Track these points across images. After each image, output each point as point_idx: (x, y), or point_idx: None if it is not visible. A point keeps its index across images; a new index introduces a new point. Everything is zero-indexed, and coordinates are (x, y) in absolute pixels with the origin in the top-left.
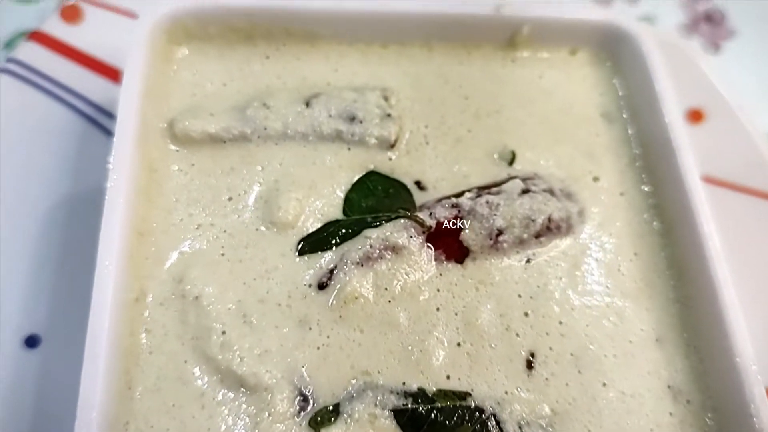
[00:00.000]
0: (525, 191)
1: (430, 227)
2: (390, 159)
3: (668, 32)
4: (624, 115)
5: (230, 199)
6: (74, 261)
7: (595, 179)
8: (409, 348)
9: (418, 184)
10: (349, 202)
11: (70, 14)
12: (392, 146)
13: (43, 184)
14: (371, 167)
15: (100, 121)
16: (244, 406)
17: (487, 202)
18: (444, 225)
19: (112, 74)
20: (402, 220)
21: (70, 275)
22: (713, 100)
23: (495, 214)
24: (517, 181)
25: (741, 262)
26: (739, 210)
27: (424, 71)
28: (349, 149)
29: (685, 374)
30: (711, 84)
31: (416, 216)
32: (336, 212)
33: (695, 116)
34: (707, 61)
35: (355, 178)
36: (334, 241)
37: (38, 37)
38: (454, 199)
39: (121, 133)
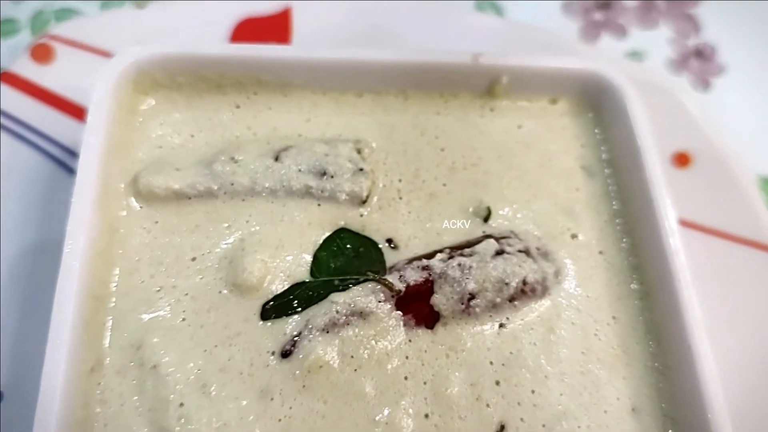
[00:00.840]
0: (499, 252)
1: (400, 291)
2: (361, 215)
3: (656, 70)
4: (605, 169)
5: (194, 259)
6: (39, 313)
7: (574, 236)
8: (375, 420)
9: (389, 242)
10: (317, 262)
11: (41, 53)
12: (364, 202)
13: (9, 231)
14: (342, 224)
15: (69, 163)
16: None
17: (459, 265)
18: (414, 289)
19: (83, 115)
20: (370, 284)
21: (33, 328)
22: (700, 143)
23: (467, 278)
24: (491, 241)
25: (727, 312)
26: (723, 257)
27: (400, 121)
28: (319, 205)
29: None
30: (698, 126)
31: (385, 280)
32: (304, 273)
33: (682, 160)
34: (697, 98)
35: (325, 236)
36: (299, 306)
37: (7, 78)
38: (425, 261)
39: (79, 194)
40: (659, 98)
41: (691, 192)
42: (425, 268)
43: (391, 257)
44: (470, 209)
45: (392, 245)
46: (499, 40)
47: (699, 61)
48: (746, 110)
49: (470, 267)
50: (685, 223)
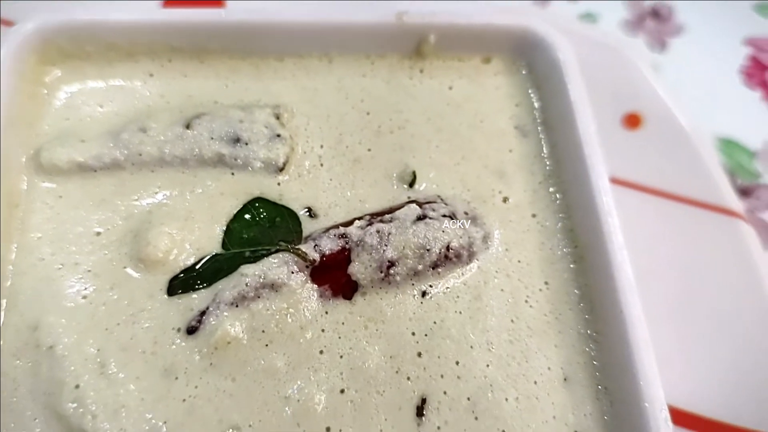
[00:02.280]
0: (421, 217)
1: (314, 261)
2: (279, 184)
3: (610, 31)
4: (540, 129)
5: (98, 234)
6: None
7: (505, 199)
8: (287, 397)
9: (309, 211)
10: (229, 233)
11: None
12: (281, 169)
13: None
14: (257, 193)
15: None
16: None
17: (378, 232)
18: (330, 258)
19: None
20: (284, 254)
21: None
22: (652, 104)
23: (386, 245)
24: (413, 206)
25: (680, 276)
26: (676, 219)
27: (323, 85)
28: (233, 174)
29: (594, 419)
30: (651, 87)
31: (298, 249)
32: (215, 245)
33: (632, 121)
34: (652, 59)
35: (239, 206)
36: (207, 280)
37: None
38: (342, 229)
39: None
40: (610, 59)
41: (641, 153)
42: (342, 236)
43: (309, 227)
44: (395, 174)
45: (311, 214)
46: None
47: (655, 22)
48: (705, 70)
49: (389, 234)
50: (634, 186)
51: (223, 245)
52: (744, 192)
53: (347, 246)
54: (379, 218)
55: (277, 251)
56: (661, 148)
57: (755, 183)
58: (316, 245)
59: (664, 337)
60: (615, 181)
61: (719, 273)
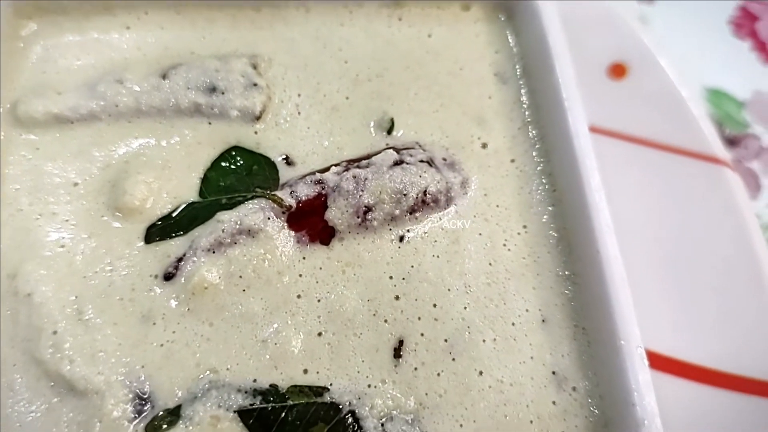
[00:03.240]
0: (398, 163)
1: (290, 207)
2: (256, 132)
3: None
4: (518, 75)
5: (76, 184)
6: None
7: (484, 146)
8: (264, 341)
9: (286, 159)
10: (206, 181)
11: None
12: (258, 118)
13: None
14: (234, 142)
15: None
16: (74, 413)
17: (354, 177)
18: (307, 204)
19: None
20: (259, 200)
21: None
22: (638, 55)
23: (362, 190)
24: (390, 151)
25: (660, 220)
26: (657, 166)
27: (300, 34)
28: (209, 123)
29: (571, 359)
30: (637, 38)
31: (274, 195)
32: (192, 194)
33: (617, 71)
34: (639, 10)
35: (216, 155)
36: (184, 227)
37: None
38: (318, 175)
39: None
40: (597, 10)
41: (626, 103)
42: (318, 182)
43: (286, 174)
44: (373, 122)
45: (288, 162)
46: None
47: None
48: (693, 21)
49: (366, 179)
50: (619, 135)
51: (200, 193)
52: (732, 142)
53: (323, 192)
54: (355, 164)
55: (253, 198)
56: (647, 98)
57: (743, 133)
58: (292, 191)
59: (647, 286)
60: (598, 130)
61: (705, 221)
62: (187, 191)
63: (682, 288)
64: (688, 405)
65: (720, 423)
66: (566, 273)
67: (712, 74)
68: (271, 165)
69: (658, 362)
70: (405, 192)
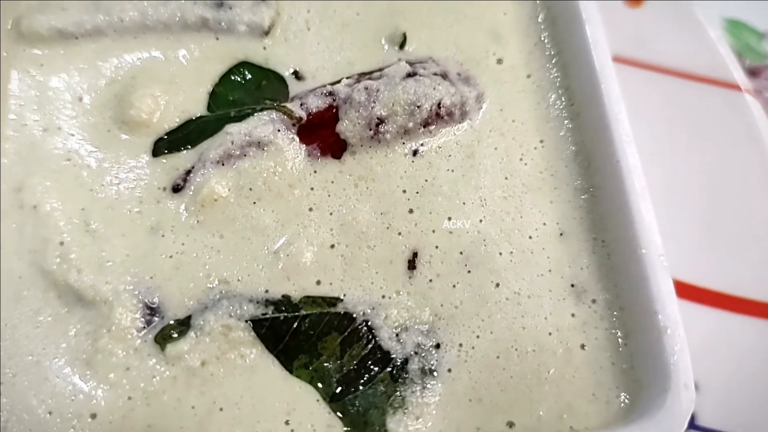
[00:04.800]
0: (411, 75)
1: (301, 119)
2: (264, 48)
3: None
4: None
5: (81, 99)
6: None
7: (499, 61)
8: (275, 252)
9: (295, 74)
10: (214, 96)
11: None
12: (267, 33)
13: None
14: (242, 58)
15: None
16: (81, 323)
17: (366, 88)
18: (317, 116)
19: None
20: (269, 113)
21: None
22: None
23: (374, 101)
24: (403, 63)
25: (681, 147)
26: (675, 94)
27: None
28: (217, 39)
29: (591, 272)
30: None
31: (284, 106)
32: (200, 108)
33: None
34: None
35: (224, 71)
36: (192, 140)
37: None
38: (329, 87)
39: None
40: None
41: (643, 31)
42: (329, 94)
43: (296, 88)
44: (385, 37)
45: (298, 77)
46: None
47: None
48: None
49: (378, 90)
50: (635, 63)
51: (208, 108)
52: (752, 72)
53: (335, 103)
54: (367, 76)
55: (262, 110)
56: (664, 25)
57: (763, 64)
58: (302, 103)
59: (669, 214)
60: (616, 59)
61: (726, 148)
62: (195, 106)
63: (705, 215)
64: (713, 332)
65: (745, 349)
66: (584, 186)
67: (731, 5)
68: (281, 79)
69: (683, 290)
70: (418, 104)
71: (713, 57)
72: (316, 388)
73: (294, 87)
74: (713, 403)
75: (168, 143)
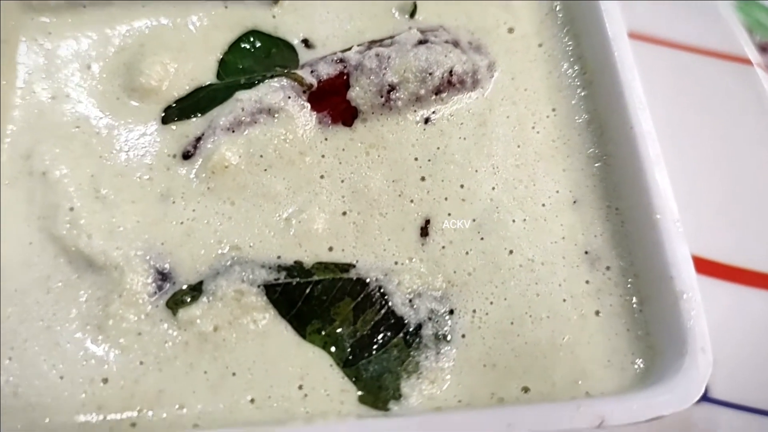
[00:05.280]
0: (423, 42)
1: (311, 85)
2: (273, 16)
3: None
4: None
5: (89, 67)
6: None
7: (510, 30)
8: (287, 219)
9: (305, 42)
10: (224, 64)
11: None
12: (276, 1)
13: None
14: (251, 26)
15: None
16: (92, 288)
17: (377, 55)
18: (328, 83)
19: None
20: (279, 80)
21: None
22: None
23: (385, 68)
24: (414, 31)
25: (692, 123)
26: (687, 69)
27: None
28: (226, 7)
29: (604, 239)
30: None
31: (294, 73)
32: (209, 76)
33: None
34: None
35: (233, 39)
36: (202, 107)
37: None
38: (339, 54)
39: None
40: None
41: (654, 6)
42: (340, 61)
43: (306, 57)
44: (395, 6)
45: (308, 45)
46: None
47: None
48: None
49: (389, 57)
50: (645, 38)
51: (218, 76)
52: (763, 48)
53: (345, 70)
54: (378, 43)
55: (272, 77)
56: (676, 2)
57: None
58: (313, 70)
59: (686, 190)
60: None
61: (741, 123)
62: (204, 74)
63: (720, 190)
64: (730, 307)
65: (763, 323)
66: (597, 154)
67: None
68: (290, 47)
69: (703, 266)
70: (430, 71)
71: (724, 32)
72: (330, 353)
73: (304, 55)
74: (728, 376)
75: (178, 111)
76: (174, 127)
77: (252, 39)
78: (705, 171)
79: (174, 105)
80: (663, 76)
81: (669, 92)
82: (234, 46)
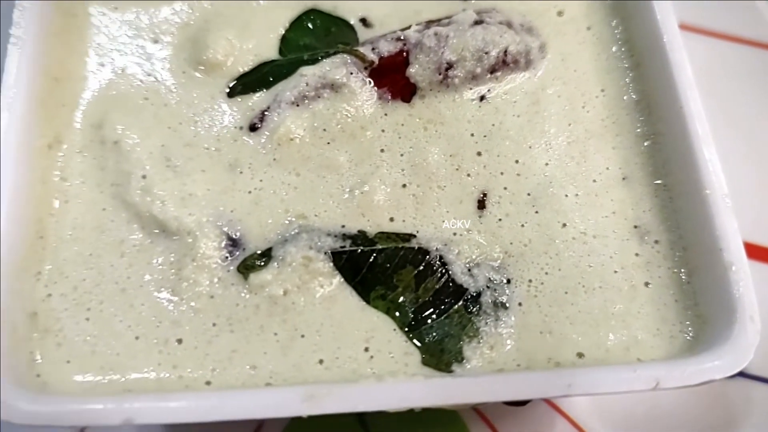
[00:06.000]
0: (478, 22)
1: (372, 62)
2: None
3: None
4: None
5: (155, 41)
6: None
7: (560, 13)
8: (350, 190)
9: (363, 21)
10: (285, 41)
11: None
12: None
13: None
14: (311, 5)
15: None
16: (166, 252)
17: (436, 34)
18: (388, 60)
19: None
20: (342, 56)
21: None
22: None
23: (444, 46)
24: (470, 12)
25: (729, 112)
26: (731, 59)
27: None
28: None
29: (653, 214)
30: None
31: (356, 50)
32: (272, 53)
33: None
34: None
35: (294, 17)
36: (267, 82)
37: None
38: (399, 32)
39: None
40: None
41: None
42: (400, 39)
43: (365, 35)
44: None
45: (366, 24)
46: None
47: None
48: None
49: (447, 36)
50: (690, 28)
51: (280, 53)
52: None
53: (405, 48)
54: (436, 23)
55: (335, 53)
56: None
57: None
58: (374, 48)
59: (740, 177)
60: None
61: None
62: (267, 50)
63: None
64: None
65: None
66: (646, 132)
67: None
68: (349, 26)
69: (756, 252)
70: (486, 50)
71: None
72: (393, 317)
73: (362, 34)
74: (765, 355)
75: (243, 85)
76: (239, 99)
77: (312, 17)
78: (758, 157)
79: (239, 79)
80: (708, 64)
81: (714, 80)
82: (295, 24)
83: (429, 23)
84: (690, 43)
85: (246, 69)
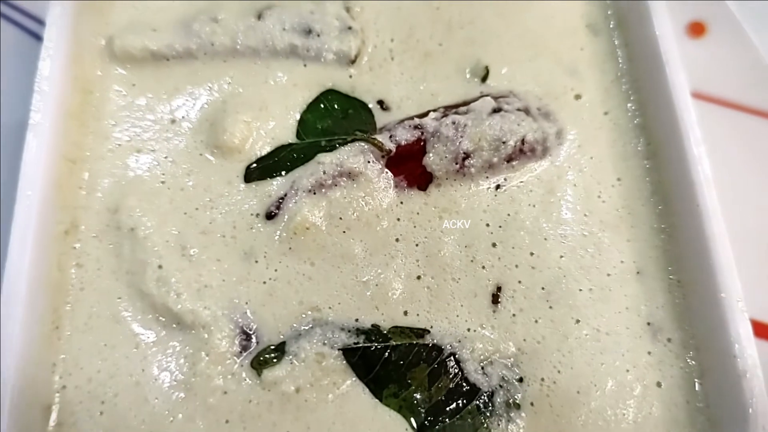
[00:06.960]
0: (496, 110)
1: (390, 151)
2: (350, 76)
3: None
4: (611, 26)
5: (173, 122)
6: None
7: (577, 97)
8: (364, 282)
9: (380, 103)
10: (303, 123)
11: None
12: (353, 62)
13: None
14: (329, 85)
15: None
16: (180, 345)
17: (453, 123)
18: (405, 148)
19: None
20: (359, 144)
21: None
22: (717, 12)
23: (461, 136)
24: (488, 99)
25: (741, 184)
26: (739, 129)
27: None
28: (305, 66)
29: (666, 311)
30: None
31: (374, 139)
32: (289, 135)
33: (696, 30)
34: None
35: (311, 98)
36: (284, 168)
37: None
38: (417, 120)
39: (48, 52)
40: None
41: (706, 63)
42: (417, 127)
43: (382, 119)
44: (467, 69)
45: (383, 107)
46: None
47: None
48: None
49: (465, 125)
50: (699, 96)
51: (297, 135)
52: None
53: (423, 137)
54: (454, 110)
55: (353, 141)
56: (728, 57)
57: None
58: (391, 135)
59: (750, 254)
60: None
61: None
62: (284, 133)
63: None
64: None
65: None
66: (662, 226)
67: None
68: (367, 109)
69: (760, 330)
70: (504, 140)
71: None
72: (405, 417)
73: (380, 117)
74: None
75: (260, 170)
76: (255, 185)
77: (330, 98)
78: (761, 231)
79: (256, 164)
80: (722, 135)
81: (731, 152)
82: (313, 105)
83: (447, 109)
84: (707, 113)
85: (263, 152)
